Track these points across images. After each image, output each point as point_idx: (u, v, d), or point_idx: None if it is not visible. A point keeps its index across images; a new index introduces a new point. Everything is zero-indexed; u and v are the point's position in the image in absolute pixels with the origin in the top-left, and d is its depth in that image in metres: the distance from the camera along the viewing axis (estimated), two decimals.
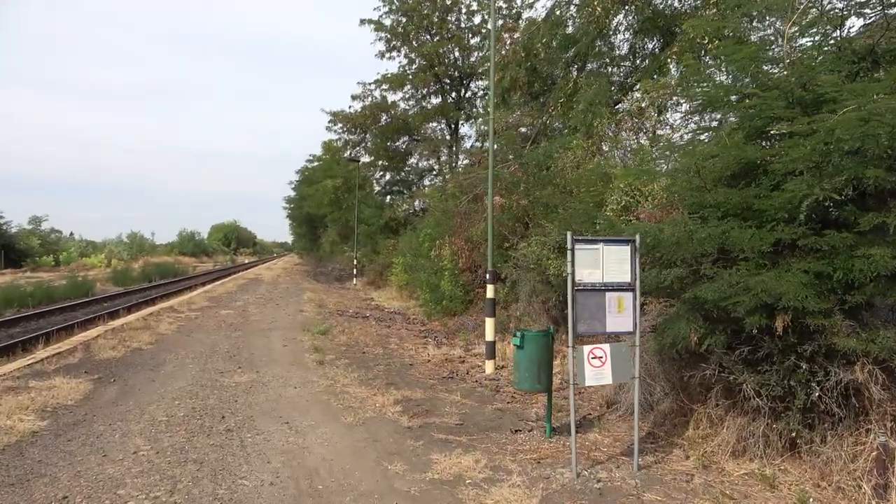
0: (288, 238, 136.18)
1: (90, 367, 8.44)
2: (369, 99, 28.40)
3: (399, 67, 28.24)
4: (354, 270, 30.02)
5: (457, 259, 14.23)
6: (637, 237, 4.86)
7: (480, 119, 27.43)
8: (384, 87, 28.39)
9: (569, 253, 4.73)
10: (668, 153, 6.79)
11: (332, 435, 5.71)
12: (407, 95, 28.53)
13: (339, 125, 30.00)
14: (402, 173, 31.29)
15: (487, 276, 8.88)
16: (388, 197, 32.98)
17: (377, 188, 33.83)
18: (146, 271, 37.79)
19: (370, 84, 28.41)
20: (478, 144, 28.43)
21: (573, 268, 4.71)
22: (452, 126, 29.03)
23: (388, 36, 27.76)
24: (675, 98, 12.07)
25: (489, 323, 8.81)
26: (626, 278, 4.81)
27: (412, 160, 30.66)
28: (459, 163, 28.27)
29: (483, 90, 29.26)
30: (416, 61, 28.09)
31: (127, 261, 49.36)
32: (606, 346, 4.79)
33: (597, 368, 4.75)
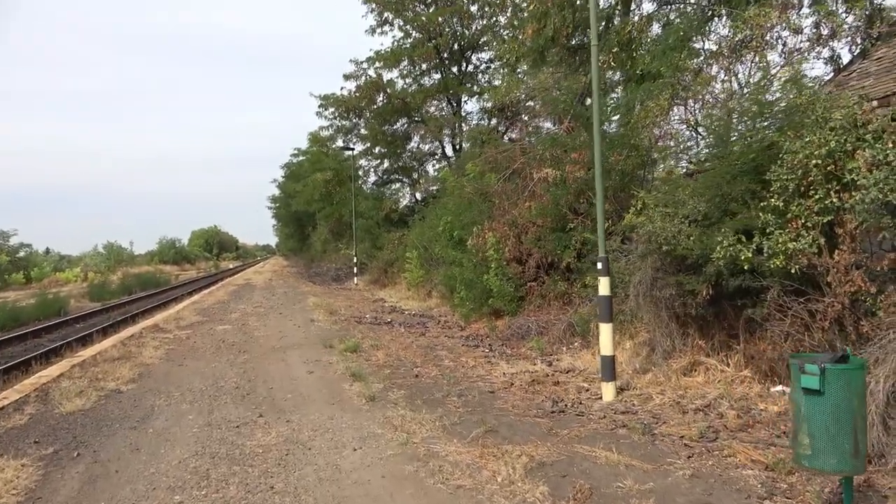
0: (271, 240, 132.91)
1: (44, 432, 5.80)
2: (363, 78, 25.65)
3: (393, 42, 25.59)
4: (355, 269, 27.37)
5: (501, 248, 11.71)
6: None
7: (486, 94, 25.04)
8: (378, 64, 25.68)
9: None
10: None
11: None
12: (404, 72, 25.89)
13: (331, 110, 27.24)
14: (402, 160, 28.61)
15: (598, 264, 6.37)
16: (388, 186, 30.29)
17: (373, 178, 31.15)
18: (126, 283, 34.80)
19: (363, 62, 25.69)
20: (483, 123, 26.01)
21: None
22: (455, 104, 26.44)
23: (380, 7, 25.03)
24: (778, 29, 9.69)
25: (605, 330, 6.31)
26: None
27: (412, 144, 28.04)
28: (464, 143, 25.80)
29: (486, 63, 26.75)
30: (412, 34, 25.45)
31: (104, 273, 46.20)
32: None
33: None
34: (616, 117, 12.20)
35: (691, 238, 5.98)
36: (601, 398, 6.34)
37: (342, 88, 26.61)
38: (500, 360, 8.63)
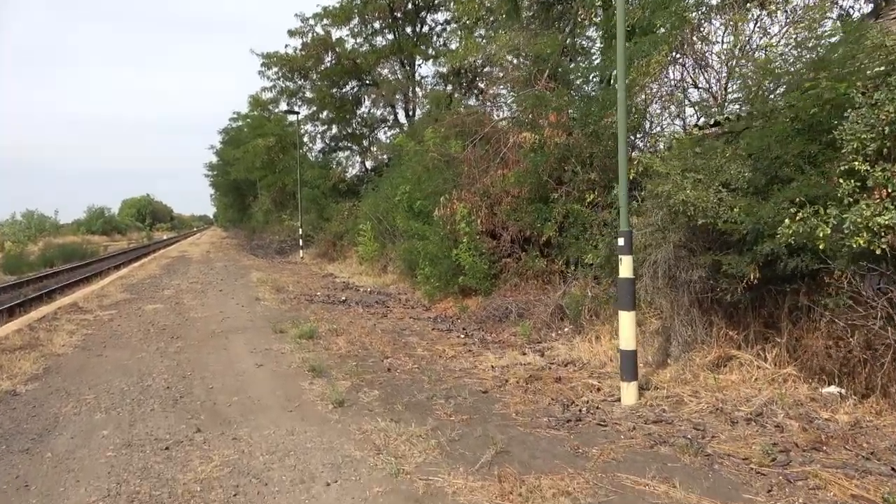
0: (209, 210, 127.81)
1: None
2: (310, 36, 23.72)
3: None
4: (300, 242, 25.66)
5: (473, 220, 10.52)
6: None
7: (442, 58, 23.59)
8: (326, 21, 23.80)
9: None
10: None
11: None
12: (355, 31, 24.09)
13: (274, 70, 25.19)
14: (351, 126, 26.87)
15: (620, 239, 5.26)
16: (335, 154, 28.52)
17: (320, 145, 29.27)
18: (47, 255, 32.08)
19: (309, 18, 23.74)
20: (439, 88, 24.60)
21: None
22: (409, 66, 24.84)
23: None
24: None
25: (626, 320, 5.21)
26: None
27: (362, 109, 26.33)
28: (419, 108, 24.39)
29: (442, 24, 25.19)
30: None
31: (24, 243, 42.65)
32: None
33: None
34: (595, 77, 11.16)
35: (735, 209, 4.92)
36: (620, 401, 5.28)
37: (287, 46, 24.67)
38: (482, 349, 7.49)
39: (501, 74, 17.62)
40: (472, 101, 22.50)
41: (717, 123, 7.71)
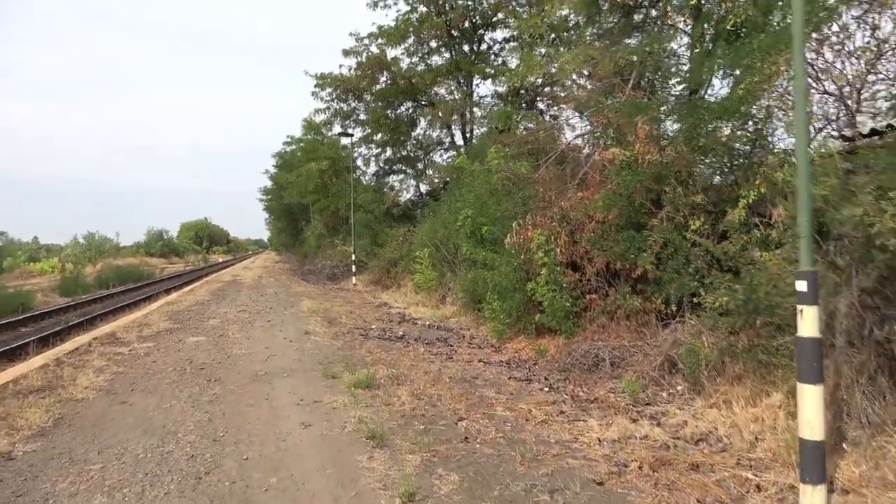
0: (263, 234, 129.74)
1: None
2: (364, 55, 22.96)
3: (398, 17, 22.87)
4: (353, 268, 24.68)
5: (552, 249, 9.13)
6: None
7: (502, 76, 22.51)
8: (381, 41, 23.02)
9: None
10: None
11: None
12: (410, 50, 23.18)
13: (328, 90, 24.51)
14: (406, 148, 25.89)
15: (801, 283, 3.79)
16: (388, 178, 27.59)
17: (373, 168, 28.44)
18: (103, 276, 32.14)
19: (364, 37, 23.01)
20: (497, 107, 23.46)
21: None
22: (467, 86, 23.73)
23: None
24: None
25: (811, 397, 3.72)
26: None
27: (417, 131, 25.33)
28: (477, 128, 23.27)
29: (500, 42, 24.09)
30: (418, 8, 22.76)
31: (83, 264, 43.24)
32: None
33: None
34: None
35: None
36: None
37: (341, 66, 23.93)
38: (578, 411, 6.05)
39: (563, 94, 16.33)
40: (531, 123, 21.27)
41: (874, 132, 6.23)
